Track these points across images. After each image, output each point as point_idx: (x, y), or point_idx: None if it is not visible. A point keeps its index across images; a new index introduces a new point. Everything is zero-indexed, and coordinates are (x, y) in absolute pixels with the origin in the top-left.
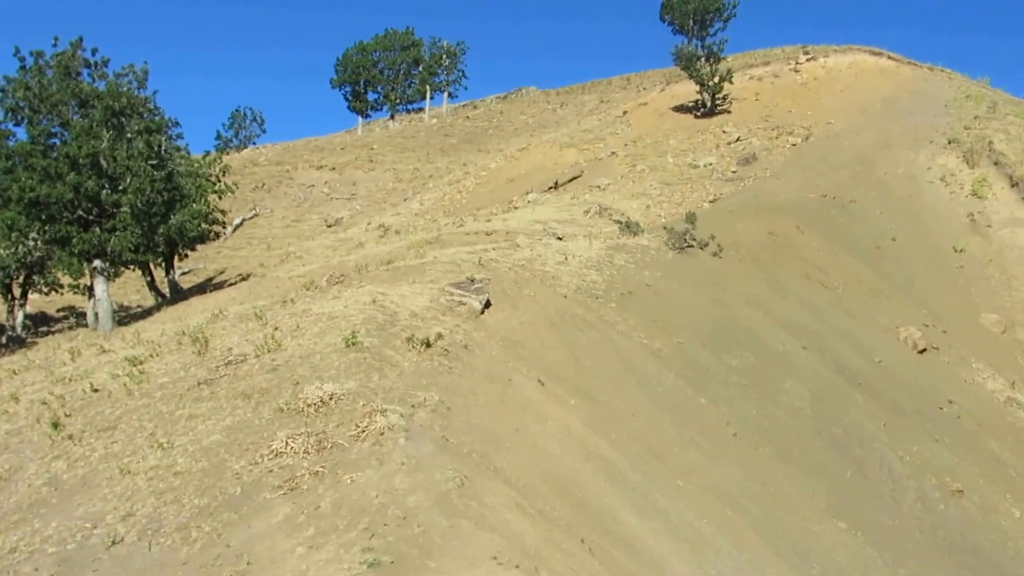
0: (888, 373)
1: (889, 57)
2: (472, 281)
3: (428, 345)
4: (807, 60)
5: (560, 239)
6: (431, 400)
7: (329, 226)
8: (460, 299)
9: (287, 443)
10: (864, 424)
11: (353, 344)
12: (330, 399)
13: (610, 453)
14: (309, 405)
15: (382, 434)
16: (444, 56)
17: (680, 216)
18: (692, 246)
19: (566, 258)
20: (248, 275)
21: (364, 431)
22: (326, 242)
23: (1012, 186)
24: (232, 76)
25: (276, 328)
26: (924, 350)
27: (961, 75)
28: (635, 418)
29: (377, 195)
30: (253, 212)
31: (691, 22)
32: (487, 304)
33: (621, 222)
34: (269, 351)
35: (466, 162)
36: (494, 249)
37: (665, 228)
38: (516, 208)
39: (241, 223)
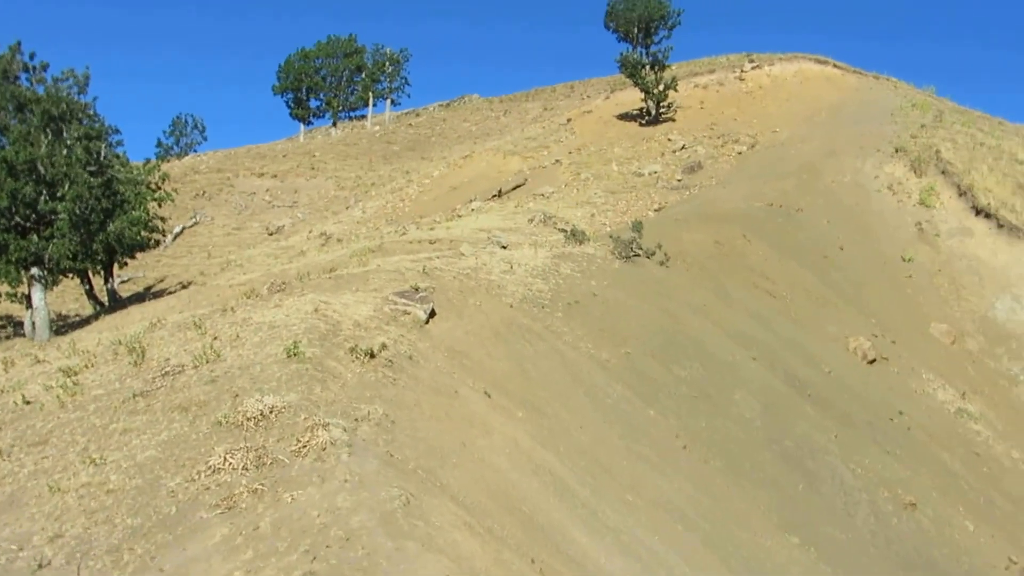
0: (838, 384)
1: (835, 65)
2: (416, 290)
3: (372, 356)
4: (752, 68)
5: (504, 248)
6: (375, 413)
7: (270, 234)
8: (404, 308)
9: (225, 459)
10: (815, 436)
11: (295, 354)
12: (270, 412)
13: (558, 467)
14: (249, 418)
15: (324, 449)
16: (387, 63)
17: (626, 225)
18: (638, 255)
19: (511, 267)
20: (188, 283)
21: (306, 446)
22: (267, 250)
23: (960, 195)
24: (173, 83)
25: (215, 338)
26: (874, 360)
27: (907, 84)
28: (583, 431)
29: (319, 203)
30: (193, 220)
31: (636, 30)
32: (432, 314)
33: (566, 231)
34: (208, 362)
35: (409, 170)
36: (438, 258)
37: (611, 237)
38: (459, 216)
39: (181, 231)
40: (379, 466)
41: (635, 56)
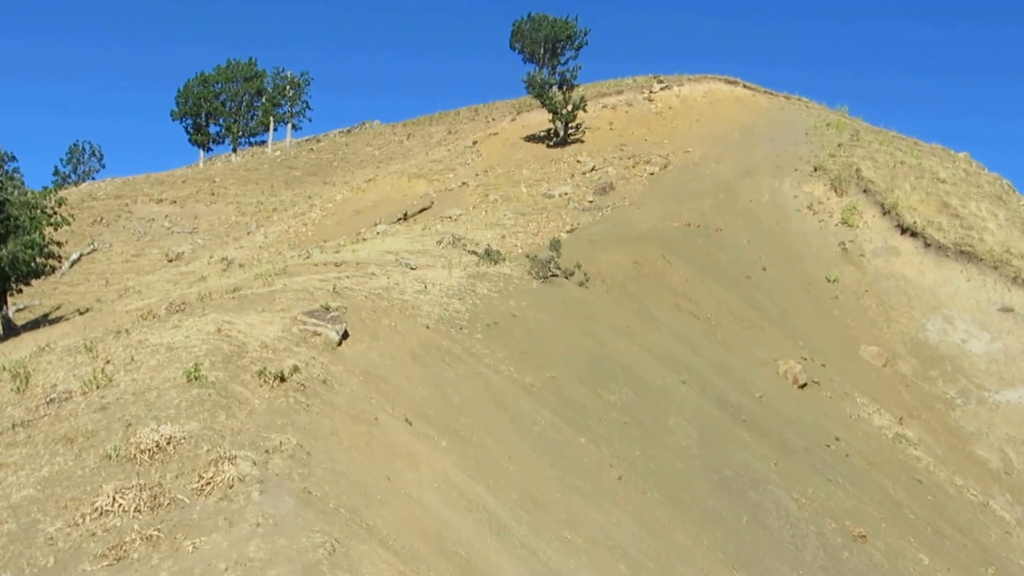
0: (771, 409)
1: (744, 86)
2: (327, 310)
3: (282, 379)
4: (661, 89)
5: (414, 269)
6: (288, 444)
7: (170, 260)
8: (315, 329)
9: (114, 499)
10: (754, 464)
11: (196, 378)
12: (168, 444)
13: (491, 503)
14: (143, 451)
15: (231, 487)
16: (288, 87)
17: (541, 245)
18: (556, 275)
19: (425, 287)
20: (86, 310)
21: (209, 483)
22: (167, 276)
23: (884, 214)
24: (70, 113)
25: (108, 361)
26: (805, 384)
27: (818, 104)
28: (512, 461)
29: (219, 229)
30: (91, 247)
31: (542, 50)
32: (345, 335)
33: (477, 252)
34: (98, 387)
35: (311, 195)
36: (348, 277)
37: (528, 257)
38: (365, 240)
39: (79, 258)
40: (296, 506)
41: (542, 76)
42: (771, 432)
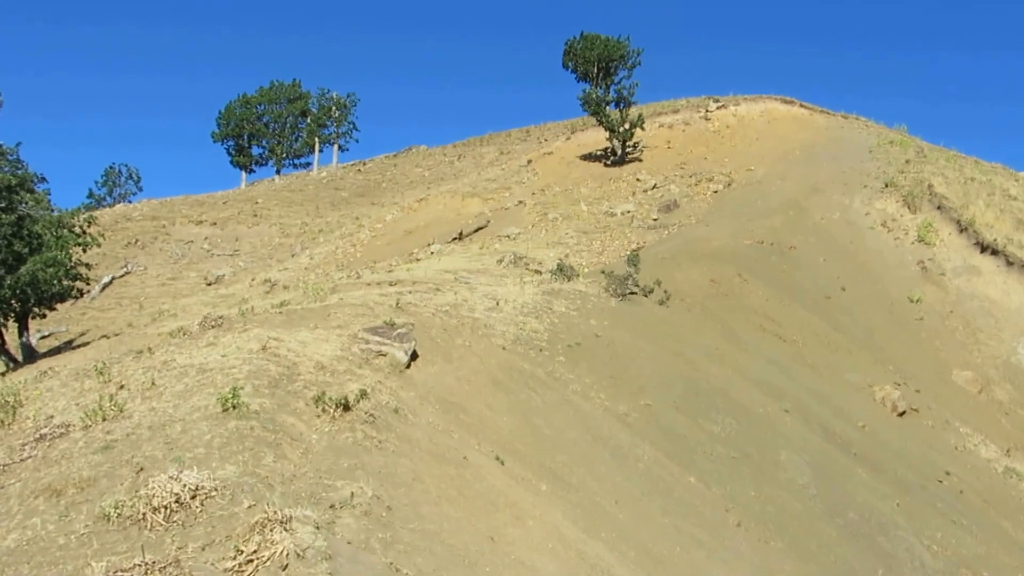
0: (876, 440)
1: (801, 105)
2: (392, 326)
3: (346, 408)
4: (718, 108)
5: (482, 286)
6: (362, 496)
7: (209, 284)
8: (379, 348)
9: None
10: (877, 505)
11: (234, 406)
12: (192, 498)
13: (615, 567)
14: (155, 509)
15: (285, 566)
16: (333, 107)
17: (607, 263)
18: (635, 293)
19: (497, 303)
20: (115, 335)
21: (252, 560)
22: (205, 299)
23: (960, 231)
24: (109, 142)
25: (121, 386)
26: (904, 412)
27: (876, 123)
28: (620, 507)
29: (262, 251)
30: (124, 270)
31: (595, 69)
32: (413, 355)
33: (541, 271)
34: (104, 419)
35: (359, 216)
36: (411, 292)
37: (604, 273)
38: (418, 260)
39: (110, 281)
40: None
41: (598, 94)
42: (884, 467)
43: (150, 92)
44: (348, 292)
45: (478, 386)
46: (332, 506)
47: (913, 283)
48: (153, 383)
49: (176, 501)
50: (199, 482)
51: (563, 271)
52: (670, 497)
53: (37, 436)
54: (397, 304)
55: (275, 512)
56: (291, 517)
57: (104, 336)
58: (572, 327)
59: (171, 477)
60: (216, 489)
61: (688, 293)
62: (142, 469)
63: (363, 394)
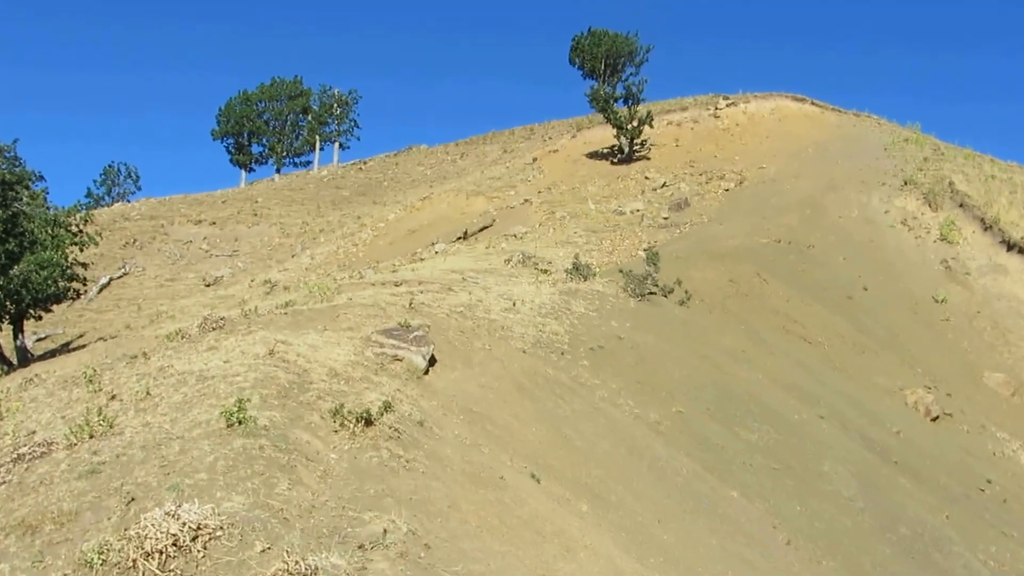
0: (913, 446)
1: (812, 103)
2: (407, 328)
3: (368, 422)
4: (727, 106)
5: (496, 285)
6: (395, 531)
7: (208, 285)
8: (395, 352)
9: None
10: (927, 518)
11: (240, 422)
12: (193, 539)
13: None
14: (148, 554)
15: None
16: (335, 104)
17: (617, 263)
18: (654, 293)
19: (514, 304)
20: (111, 337)
21: None
22: (204, 300)
23: (985, 229)
24: (108, 141)
25: (112, 396)
26: (937, 417)
27: (889, 121)
28: (664, 527)
29: (262, 251)
30: (122, 270)
31: (602, 66)
32: (431, 360)
33: (550, 270)
34: (92, 436)
35: (361, 215)
36: (422, 292)
37: (622, 272)
38: (423, 260)
39: (108, 282)
40: None
41: (606, 91)
42: (925, 476)
43: (150, 89)
44: (356, 292)
45: (502, 393)
46: (361, 546)
47: (937, 283)
48: (148, 393)
49: (173, 544)
50: (201, 519)
51: (579, 270)
52: (714, 514)
53: (14, 456)
54: (410, 304)
55: (296, 562)
56: (316, 568)
57: (101, 338)
58: (593, 329)
59: (167, 513)
60: (222, 528)
61: (707, 293)
62: (133, 500)
63: (387, 406)
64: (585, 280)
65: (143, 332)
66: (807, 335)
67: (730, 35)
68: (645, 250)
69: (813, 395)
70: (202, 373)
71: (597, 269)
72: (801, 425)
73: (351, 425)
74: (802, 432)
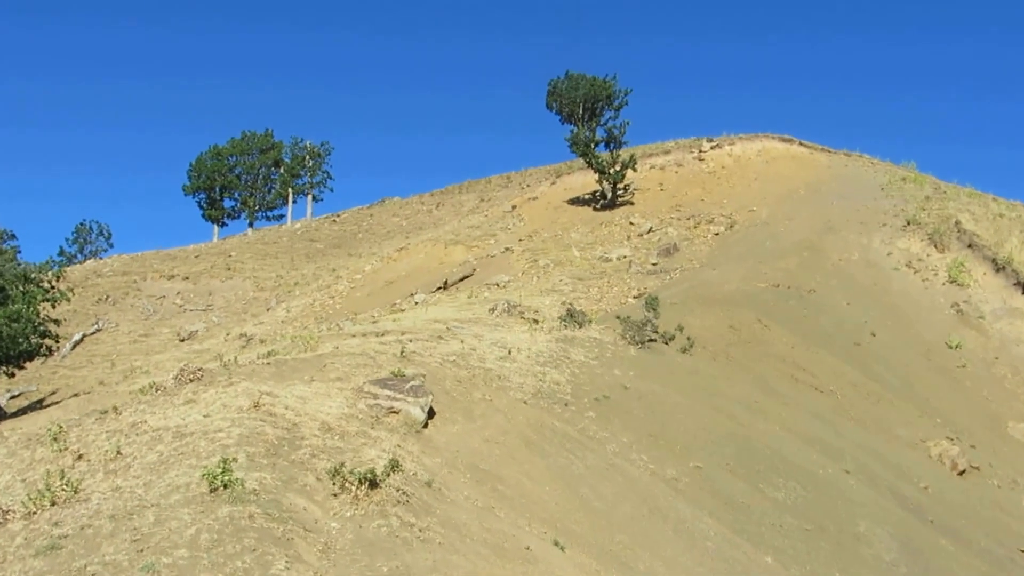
0: (944, 503)
1: (800, 144)
2: (402, 378)
3: (373, 484)
4: (711, 148)
5: (490, 332)
6: None
7: (182, 340)
8: (390, 404)
9: None
10: None
11: (225, 485)
12: None
13: None
14: None
15: None
16: (307, 156)
17: (612, 309)
18: (654, 340)
19: (509, 352)
20: (85, 393)
21: None
22: (179, 355)
23: (997, 271)
24: (80, 198)
25: (79, 456)
26: (964, 471)
27: (883, 160)
28: None
29: (236, 305)
30: (95, 327)
31: (580, 110)
32: (430, 412)
33: (538, 319)
34: (54, 503)
35: (336, 267)
36: (411, 341)
37: (619, 319)
38: (403, 310)
39: (81, 339)
40: None
41: (586, 134)
42: (965, 536)
43: (121, 147)
44: (341, 341)
45: (510, 449)
46: None
47: (949, 327)
48: (119, 452)
49: None
50: None
51: (574, 317)
52: None
53: None
54: (401, 353)
55: None
56: None
57: (75, 395)
58: (595, 378)
59: None
60: None
61: (708, 340)
62: None
63: (394, 465)
64: (580, 327)
65: (117, 388)
66: (818, 384)
67: (706, 78)
68: (636, 296)
69: (834, 448)
70: (179, 429)
71: (592, 316)
72: (828, 481)
73: (353, 488)
74: (830, 489)
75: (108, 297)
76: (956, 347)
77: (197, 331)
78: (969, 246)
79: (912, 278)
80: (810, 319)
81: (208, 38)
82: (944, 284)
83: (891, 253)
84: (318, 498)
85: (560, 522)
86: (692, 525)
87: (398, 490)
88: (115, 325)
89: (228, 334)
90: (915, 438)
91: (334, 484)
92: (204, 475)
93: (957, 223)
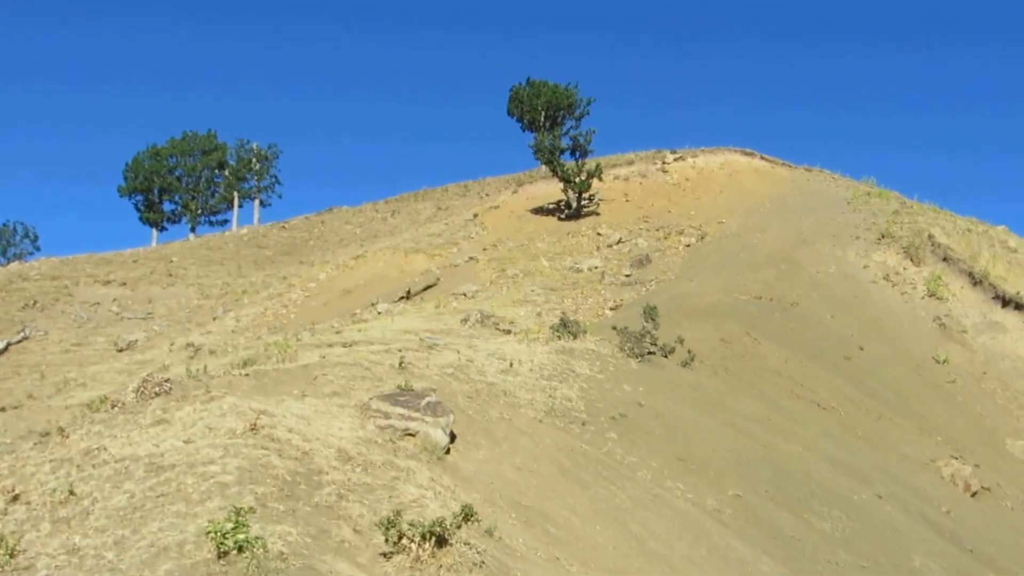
0: (969, 529)
1: (762, 158)
2: (414, 393)
3: (441, 542)
4: (675, 160)
5: (481, 344)
6: None
7: (120, 350)
8: (405, 424)
9: None
10: None
11: (240, 548)
12: None
13: None
14: None
15: None
16: (254, 159)
17: (595, 320)
18: (653, 353)
19: (511, 364)
20: (13, 408)
21: None
22: (118, 366)
23: (974, 284)
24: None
25: (15, 498)
26: (976, 492)
27: (843, 176)
28: None
29: (179, 313)
30: (22, 335)
31: (542, 117)
32: (451, 435)
33: (513, 331)
34: None
35: (287, 275)
36: (399, 351)
37: (616, 330)
38: (366, 320)
39: (6, 347)
40: None
41: (551, 141)
42: (1006, 569)
43: (50, 154)
44: (326, 350)
45: (545, 479)
46: None
47: (934, 341)
48: (71, 492)
49: None
50: None
51: (567, 327)
52: None
53: None
54: (400, 364)
55: None
56: None
57: (0, 409)
58: (606, 394)
59: None
60: None
61: (704, 354)
62: None
63: (468, 515)
64: (575, 338)
65: (50, 402)
66: (818, 400)
67: (665, 91)
68: (613, 308)
69: (857, 470)
70: (153, 460)
71: (587, 326)
72: (866, 508)
73: (414, 547)
74: (872, 517)
75: (36, 303)
76: (944, 362)
77: (137, 340)
78: (944, 259)
79: (891, 291)
80: (797, 332)
81: (146, 45)
82: (924, 298)
83: (867, 266)
84: (362, 560)
85: (621, 570)
86: (754, 567)
87: (467, 544)
88: (44, 333)
89: (173, 344)
90: (923, 457)
91: (386, 541)
92: (209, 532)
93: (931, 237)
